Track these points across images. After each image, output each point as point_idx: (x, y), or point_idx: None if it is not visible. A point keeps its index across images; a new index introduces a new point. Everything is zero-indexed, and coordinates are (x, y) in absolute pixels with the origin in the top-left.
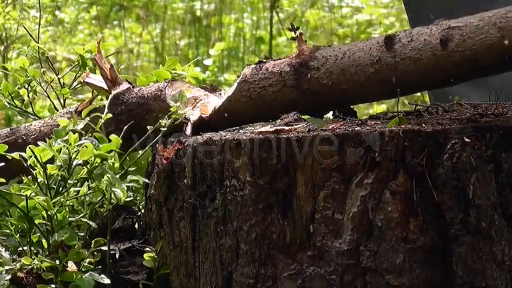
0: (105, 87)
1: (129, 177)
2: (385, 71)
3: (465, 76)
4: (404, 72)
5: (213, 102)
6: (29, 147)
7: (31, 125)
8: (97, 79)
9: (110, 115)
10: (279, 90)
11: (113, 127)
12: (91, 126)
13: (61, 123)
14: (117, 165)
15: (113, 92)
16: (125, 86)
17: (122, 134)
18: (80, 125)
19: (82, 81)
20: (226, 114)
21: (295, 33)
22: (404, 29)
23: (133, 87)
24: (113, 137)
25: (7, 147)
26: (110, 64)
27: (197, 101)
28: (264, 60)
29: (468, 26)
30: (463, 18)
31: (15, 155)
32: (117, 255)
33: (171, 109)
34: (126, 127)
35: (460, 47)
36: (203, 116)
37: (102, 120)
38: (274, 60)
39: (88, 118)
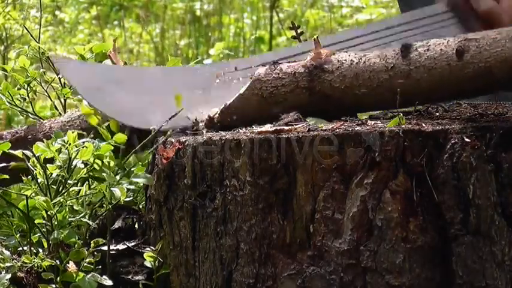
0: None
1: (132, 178)
2: (398, 77)
3: (479, 89)
4: (417, 80)
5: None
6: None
7: (44, 122)
8: None
9: None
10: (291, 90)
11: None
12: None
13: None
14: (112, 163)
15: None
16: None
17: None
18: None
19: None
20: (235, 112)
21: (296, 31)
22: None
23: None
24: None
25: (10, 145)
26: (123, 62)
27: None
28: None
29: (485, 39)
30: (481, 32)
31: (18, 152)
32: (117, 255)
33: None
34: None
35: (475, 58)
36: (211, 115)
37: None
38: (289, 61)
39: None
